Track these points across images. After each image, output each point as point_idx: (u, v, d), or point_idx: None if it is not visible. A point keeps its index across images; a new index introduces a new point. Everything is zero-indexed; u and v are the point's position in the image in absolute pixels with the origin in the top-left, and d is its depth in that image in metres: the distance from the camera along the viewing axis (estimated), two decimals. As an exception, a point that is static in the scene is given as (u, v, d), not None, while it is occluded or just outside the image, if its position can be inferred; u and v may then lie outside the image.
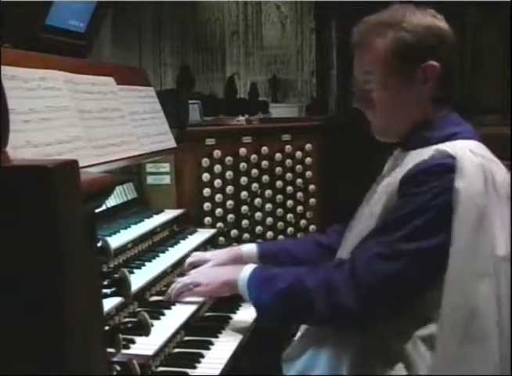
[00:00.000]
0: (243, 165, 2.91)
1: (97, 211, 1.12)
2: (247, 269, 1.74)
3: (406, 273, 1.51)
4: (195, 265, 2.07)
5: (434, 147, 1.57)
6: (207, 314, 1.91)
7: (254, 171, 2.94)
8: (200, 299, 1.86)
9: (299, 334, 1.78)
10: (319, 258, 1.94)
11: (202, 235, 2.48)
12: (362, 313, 1.54)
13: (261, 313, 1.72)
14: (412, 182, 1.54)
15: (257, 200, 2.95)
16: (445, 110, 1.68)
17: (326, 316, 1.58)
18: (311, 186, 3.12)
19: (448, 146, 1.56)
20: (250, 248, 2.08)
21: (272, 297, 1.64)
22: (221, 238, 2.77)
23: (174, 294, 1.85)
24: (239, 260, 2.03)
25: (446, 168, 1.51)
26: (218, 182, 2.82)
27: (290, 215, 3.06)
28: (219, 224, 2.82)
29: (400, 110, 1.67)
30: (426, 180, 1.52)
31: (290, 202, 3.06)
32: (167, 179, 2.66)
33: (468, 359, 1.49)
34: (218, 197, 2.82)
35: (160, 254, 2.10)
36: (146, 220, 2.32)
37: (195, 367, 1.56)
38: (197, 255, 2.14)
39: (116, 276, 1.24)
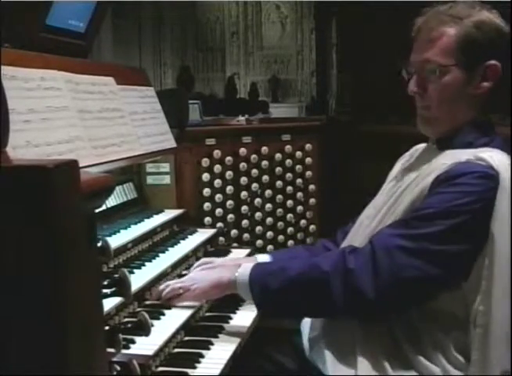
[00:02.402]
0: (243, 165, 2.91)
1: (97, 211, 1.12)
2: (246, 267, 1.70)
3: (427, 272, 1.51)
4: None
5: (472, 151, 1.58)
6: (207, 314, 1.91)
7: (254, 171, 2.94)
8: (193, 304, 1.82)
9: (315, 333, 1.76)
10: None
11: (202, 235, 2.48)
12: (378, 303, 1.52)
13: (266, 307, 1.66)
14: (448, 182, 1.54)
15: (257, 200, 2.95)
16: (490, 114, 1.70)
17: (343, 302, 1.54)
18: (311, 186, 3.12)
19: (490, 157, 1.56)
20: (263, 259, 2.01)
21: (280, 286, 1.60)
22: (221, 238, 2.77)
23: (163, 299, 1.81)
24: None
25: (488, 177, 1.52)
26: (218, 182, 2.83)
27: (290, 215, 3.06)
28: (219, 224, 2.82)
29: (454, 105, 1.67)
30: (465, 183, 1.52)
31: (290, 202, 3.06)
32: (167, 179, 2.66)
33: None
34: (218, 197, 2.82)
35: (160, 254, 2.10)
36: (146, 220, 2.32)
37: (195, 367, 1.56)
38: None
39: (116, 276, 1.24)
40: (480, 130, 1.66)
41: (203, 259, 2.15)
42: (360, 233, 1.77)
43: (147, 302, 1.83)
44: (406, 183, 1.67)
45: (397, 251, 1.52)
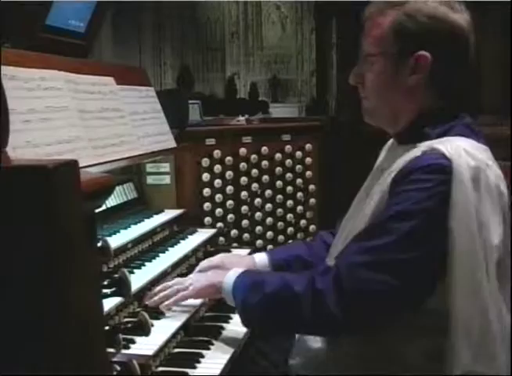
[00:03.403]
0: (243, 165, 2.91)
1: (97, 211, 1.12)
2: (233, 274, 1.70)
3: (388, 285, 1.44)
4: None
5: (428, 143, 1.52)
6: (207, 314, 1.91)
7: (254, 171, 2.94)
8: (190, 303, 1.83)
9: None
10: None
11: (202, 235, 2.48)
12: (347, 322, 1.49)
13: (245, 319, 1.66)
14: (402, 181, 1.49)
15: (257, 200, 2.95)
16: (447, 105, 1.61)
17: (312, 324, 1.55)
18: (311, 186, 3.12)
19: (443, 145, 1.49)
20: (262, 258, 2.03)
21: (257, 301, 1.59)
22: (221, 238, 2.77)
23: (159, 299, 1.79)
24: (252, 266, 2.01)
25: (440, 168, 1.45)
26: (218, 182, 2.83)
27: (290, 215, 3.07)
28: (219, 224, 2.82)
29: (389, 96, 1.62)
30: (417, 179, 1.46)
31: (290, 202, 3.06)
32: (167, 179, 2.66)
33: (482, 366, 1.45)
34: (218, 197, 2.82)
35: (160, 254, 2.10)
36: (146, 220, 2.32)
37: (195, 367, 1.56)
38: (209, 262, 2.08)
39: (116, 276, 1.24)
40: (435, 120, 1.58)
41: (202, 263, 2.14)
42: (335, 241, 1.77)
43: (147, 303, 1.83)
44: (373, 186, 1.64)
45: (358, 267, 1.47)
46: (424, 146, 1.52)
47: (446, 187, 1.43)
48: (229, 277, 1.70)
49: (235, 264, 2.03)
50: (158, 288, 1.82)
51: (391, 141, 1.79)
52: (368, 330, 1.56)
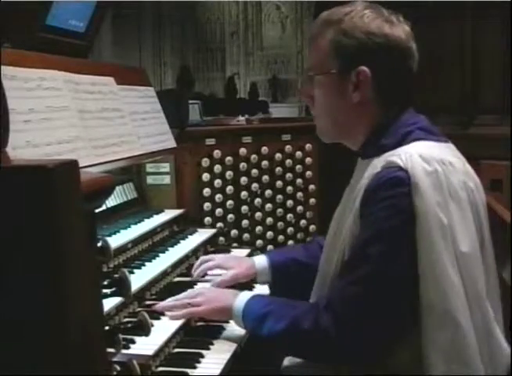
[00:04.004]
0: (243, 165, 2.91)
1: (97, 211, 1.12)
2: (241, 300, 1.71)
3: (388, 305, 1.46)
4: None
5: (386, 155, 1.53)
6: (207, 314, 1.91)
7: (254, 171, 2.93)
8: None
9: None
10: None
11: (202, 235, 2.48)
12: (350, 346, 1.52)
13: (256, 339, 1.72)
14: (368, 202, 1.50)
15: (257, 200, 2.95)
16: (397, 113, 1.61)
17: (319, 358, 1.62)
18: (311, 186, 3.12)
19: (397, 157, 1.49)
20: (261, 261, 2.07)
21: (266, 335, 1.62)
22: (221, 238, 2.77)
23: (167, 306, 1.80)
24: (252, 269, 2.05)
25: (398, 181, 1.45)
26: (218, 182, 2.82)
27: (290, 215, 3.06)
28: (219, 224, 2.81)
29: (337, 113, 1.64)
30: (380, 198, 1.46)
31: (290, 202, 3.06)
32: (167, 179, 2.66)
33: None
34: (218, 197, 2.82)
35: (160, 254, 2.10)
36: (146, 220, 2.32)
37: (195, 367, 1.56)
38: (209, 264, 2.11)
39: (116, 276, 1.24)
40: (389, 131, 1.59)
41: (203, 257, 2.17)
42: (324, 250, 1.76)
43: (147, 302, 1.84)
44: (346, 205, 1.65)
45: (351, 301, 1.49)
46: (382, 159, 1.53)
47: (408, 199, 1.44)
48: (239, 305, 1.70)
49: (234, 267, 2.05)
50: (170, 302, 1.82)
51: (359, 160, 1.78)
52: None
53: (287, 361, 1.77)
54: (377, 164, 1.53)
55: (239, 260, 2.17)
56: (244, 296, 1.73)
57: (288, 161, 3.06)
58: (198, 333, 1.77)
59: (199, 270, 2.10)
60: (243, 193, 2.91)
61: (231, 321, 1.83)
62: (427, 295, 1.44)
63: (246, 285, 2.06)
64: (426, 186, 1.44)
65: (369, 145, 1.63)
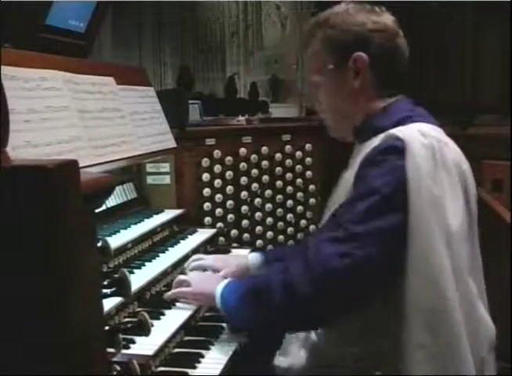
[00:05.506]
0: (243, 165, 2.91)
1: (97, 211, 1.12)
2: (222, 283, 1.74)
3: (357, 254, 1.46)
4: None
5: (385, 133, 1.59)
6: (207, 314, 1.91)
7: (254, 171, 2.94)
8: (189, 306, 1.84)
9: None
10: None
11: (202, 235, 2.48)
12: (320, 297, 1.51)
13: (230, 322, 1.72)
14: (363, 167, 1.55)
15: (257, 200, 2.95)
16: (393, 97, 1.69)
17: (288, 309, 1.56)
18: (311, 186, 3.12)
19: (397, 130, 1.57)
20: (255, 258, 2.07)
21: (236, 302, 1.65)
22: (221, 238, 2.77)
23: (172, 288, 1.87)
24: (242, 266, 2.05)
25: (394, 149, 1.52)
26: (218, 182, 2.82)
27: (290, 215, 3.06)
28: (219, 224, 2.82)
29: (343, 105, 1.71)
30: (374, 162, 1.53)
31: (290, 202, 3.06)
32: (167, 179, 2.66)
33: (436, 343, 1.46)
34: (218, 197, 2.82)
35: (160, 254, 2.10)
36: (146, 220, 2.32)
37: (195, 367, 1.56)
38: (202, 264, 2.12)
39: (116, 276, 1.24)
40: (385, 114, 1.66)
41: (195, 256, 2.16)
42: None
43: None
44: (340, 185, 1.70)
45: (325, 244, 1.51)
46: (381, 136, 1.59)
47: (401, 164, 1.49)
48: (219, 286, 1.73)
49: (226, 264, 2.05)
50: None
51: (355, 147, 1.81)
52: (342, 310, 1.56)
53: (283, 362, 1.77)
54: (375, 140, 1.59)
55: (231, 257, 2.18)
56: (224, 281, 1.76)
57: (288, 161, 3.06)
58: (198, 333, 1.77)
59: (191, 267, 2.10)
60: (243, 193, 2.91)
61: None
62: (414, 262, 1.46)
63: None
64: (421, 156, 1.50)
65: (366, 127, 1.68)
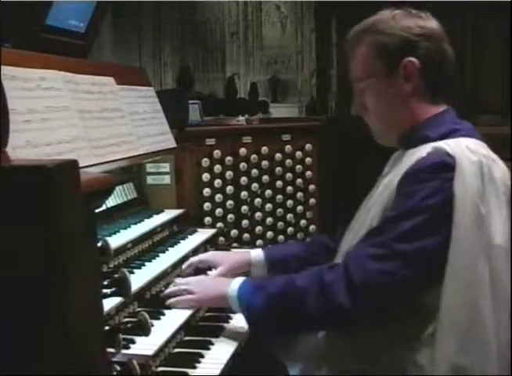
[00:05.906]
0: (243, 165, 2.91)
1: (97, 211, 1.12)
2: (236, 282, 1.72)
3: (401, 274, 1.49)
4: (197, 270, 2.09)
5: (432, 144, 1.57)
6: (207, 314, 1.91)
7: (254, 171, 2.94)
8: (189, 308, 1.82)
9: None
10: (326, 261, 1.91)
11: (202, 235, 2.48)
12: (356, 311, 1.53)
13: (253, 324, 1.68)
14: (409, 181, 1.53)
15: (257, 200, 2.95)
16: (442, 107, 1.68)
17: (320, 316, 1.57)
18: (311, 186, 3.12)
19: (446, 144, 1.55)
20: (257, 253, 2.06)
21: (262, 303, 1.62)
22: (221, 238, 2.77)
23: (166, 294, 1.84)
24: (242, 262, 2.05)
25: (444, 166, 1.50)
26: (218, 182, 2.82)
27: (290, 215, 3.06)
28: (219, 224, 2.82)
29: (392, 111, 1.69)
30: (423, 178, 1.51)
31: (290, 202, 3.06)
32: (167, 179, 2.66)
33: (468, 358, 1.48)
34: (218, 197, 2.82)
35: (160, 254, 2.10)
36: (146, 220, 2.32)
37: (195, 367, 1.56)
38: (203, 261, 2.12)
39: (116, 276, 1.24)
40: (434, 124, 1.65)
41: (192, 259, 2.15)
42: (346, 237, 1.79)
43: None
44: (379, 190, 1.67)
45: (367, 260, 1.52)
46: (428, 147, 1.57)
47: (450, 184, 1.49)
48: (233, 286, 1.71)
49: (226, 259, 2.05)
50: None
51: (397, 152, 1.81)
52: (376, 320, 1.58)
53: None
54: (422, 151, 1.57)
55: (227, 255, 2.18)
56: (239, 279, 1.75)
57: (288, 161, 3.06)
58: (198, 333, 1.77)
59: (188, 267, 2.10)
60: (243, 193, 2.91)
61: (231, 321, 1.84)
62: (451, 277, 1.47)
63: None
64: (469, 173, 1.49)
65: (413, 136, 1.66)
